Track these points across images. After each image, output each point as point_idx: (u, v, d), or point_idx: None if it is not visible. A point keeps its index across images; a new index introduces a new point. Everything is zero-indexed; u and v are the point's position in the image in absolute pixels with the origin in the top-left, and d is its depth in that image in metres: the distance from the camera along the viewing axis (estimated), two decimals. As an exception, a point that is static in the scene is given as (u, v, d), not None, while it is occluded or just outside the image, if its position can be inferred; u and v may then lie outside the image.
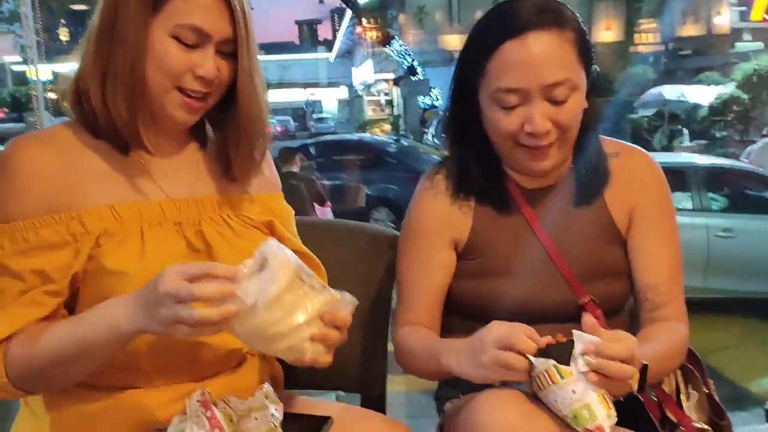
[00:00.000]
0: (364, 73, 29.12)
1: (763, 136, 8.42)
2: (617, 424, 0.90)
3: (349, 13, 25.00)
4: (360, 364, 1.30)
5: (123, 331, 0.85)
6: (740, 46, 19.24)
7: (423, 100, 19.66)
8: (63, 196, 0.91)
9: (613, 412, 0.88)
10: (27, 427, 0.99)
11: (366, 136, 14.18)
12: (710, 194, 5.27)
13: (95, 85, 0.92)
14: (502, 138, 1.09)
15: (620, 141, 1.21)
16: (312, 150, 9.32)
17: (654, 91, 14.13)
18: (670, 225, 1.16)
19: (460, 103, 1.15)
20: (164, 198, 0.99)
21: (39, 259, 0.89)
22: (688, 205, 5.10)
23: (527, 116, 1.04)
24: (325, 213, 6.04)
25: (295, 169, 6.00)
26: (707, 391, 1.14)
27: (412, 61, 20.02)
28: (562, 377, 0.87)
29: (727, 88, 13.88)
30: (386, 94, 24.10)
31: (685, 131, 11.88)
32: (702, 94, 13.97)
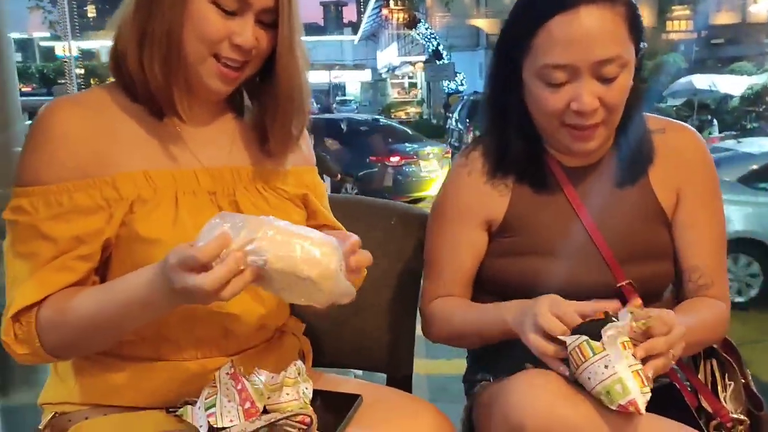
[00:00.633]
0: (388, 56, 28.95)
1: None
2: (654, 412, 0.87)
3: (375, -5, 24.83)
4: (388, 344, 1.28)
5: (153, 301, 0.83)
6: (775, 36, 18.78)
7: (448, 85, 19.51)
8: (97, 159, 0.90)
9: (647, 389, 0.85)
10: (55, 393, 0.99)
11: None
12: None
13: (132, 48, 0.91)
14: (546, 116, 1.06)
15: (665, 118, 1.17)
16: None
17: (684, 80, 13.87)
18: (717, 206, 1.13)
19: (501, 79, 1.11)
20: (199, 166, 0.97)
21: (72, 224, 0.88)
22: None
23: (574, 94, 1.01)
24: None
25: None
26: (744, 381, 1.11)
27: (438, 44, 19.85)
28: (594, 353, 0.85)
29: (761, 79, 13.58)
30: (410, 77, 23.93)
31: (715, 122, 11.67)
32: (734, 85, 13.69)
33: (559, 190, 1.12)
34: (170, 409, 0.90)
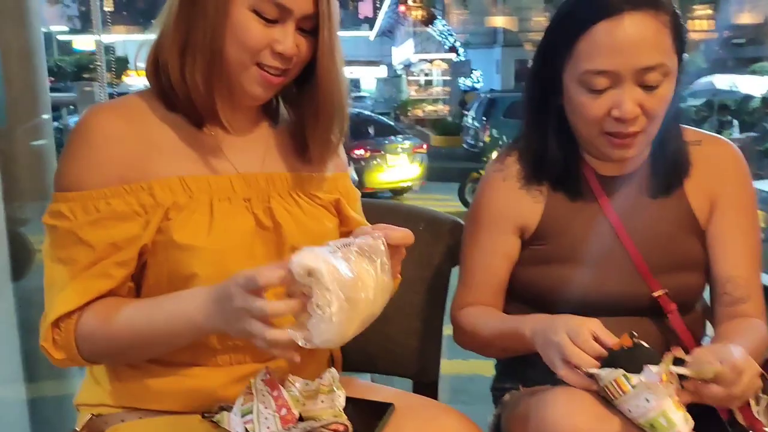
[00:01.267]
0: (404, 52, 28.86)
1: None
2: None
3: (392, -9, 24.77)
4: (416, 350, 1.28)
5: (200, 326, 0.86)
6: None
7: (464, 82, 19.44)
8: (135, 166, 0.91)
9: (689, 416, 0.85)
10: (91, 395, 1.00)
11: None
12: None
13: (174, 58, 0.91)
14: (586, 123, 1.05)
15: (702, 130, 1.16)
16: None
17: (704, 80, 13.71)
18: (752, 217, 1.12)
19: (541, 83, 1.10)
20: (234, 173, 0.98)
21: (110, 230, 0.89)
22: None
23: (616, 100, 1.00)
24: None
25: None
26: (777, 395, 1.10)
27: (454, 41, 19.76)
28: (633, 387, 0.85)
29: (783, 80, 13.39)
30: (426, 74, 23.87)
31: (735, 122, 11.53)
32: (755, 85, 13.50)
33: (594, 199, 1.11)
34: (206, 414, 0.90)
